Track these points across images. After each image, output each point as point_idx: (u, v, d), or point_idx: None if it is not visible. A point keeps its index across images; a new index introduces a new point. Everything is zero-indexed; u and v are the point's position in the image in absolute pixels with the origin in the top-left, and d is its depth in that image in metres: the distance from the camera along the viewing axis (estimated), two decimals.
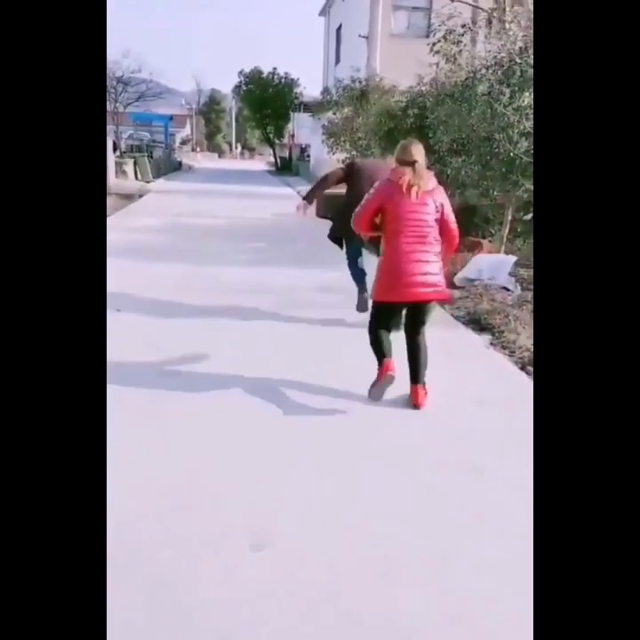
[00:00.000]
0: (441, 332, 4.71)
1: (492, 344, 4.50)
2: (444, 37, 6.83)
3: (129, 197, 15.50)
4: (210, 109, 60.69)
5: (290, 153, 32.59)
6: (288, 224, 11.29)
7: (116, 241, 8.26)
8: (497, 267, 6.06)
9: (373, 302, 3.43)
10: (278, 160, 32.31)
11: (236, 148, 60.97)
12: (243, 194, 17.87)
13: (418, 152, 3.24)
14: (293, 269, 6.74)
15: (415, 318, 3.35)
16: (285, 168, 30.54)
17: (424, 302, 3.25)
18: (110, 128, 25.29)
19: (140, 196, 15.98)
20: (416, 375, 3.32)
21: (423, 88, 8.00)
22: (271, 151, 35.70)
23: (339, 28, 24.15)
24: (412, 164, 3.20)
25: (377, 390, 3.28)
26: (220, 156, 55.96)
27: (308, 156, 30.00)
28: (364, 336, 3.44)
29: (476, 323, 4.89)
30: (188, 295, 5.52)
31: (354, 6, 21.20)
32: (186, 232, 9.48)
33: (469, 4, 7.81)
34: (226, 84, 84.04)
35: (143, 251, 7.62)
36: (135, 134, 28.17)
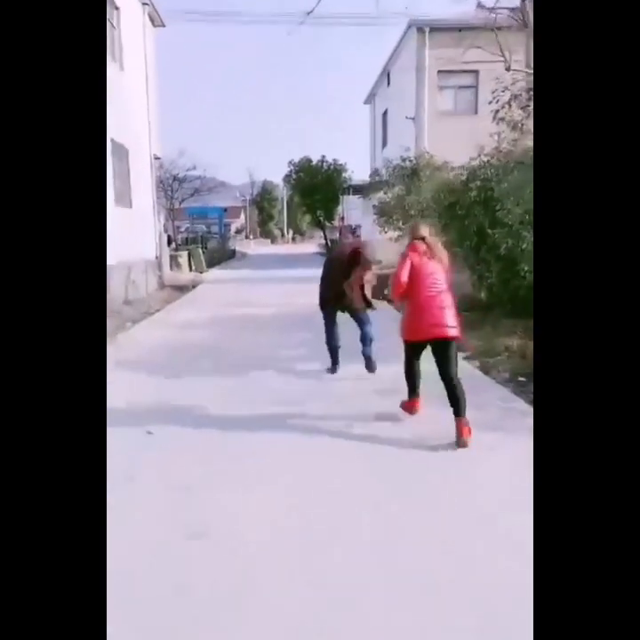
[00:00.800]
0: None
1: None
2: (508, 103, 6.22)
3: (182, 289, 15.43)
4: (262, 199, 63.23)
5: (340, 235, 32.83)
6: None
7: (160, 341, 7.76)
8: None
9: (404, 341, 4.22)
10: (329, 242, 32.49)
11: (288, 233, 62.74)
12: (293, 278, 17.55)
13: (425, 230, 4.26)
14: (347, 366, 5.88)
15: (442, 359, 3.95)
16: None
17: (444, 340, 3.93)
18: (167, 224, 26.20)
19: (193, 287, 15.90)
20: (458, 409, 3.87)
21: (484, 159, 7.39)
22: (322, 234, 36.14)
23: (384, 113, 24.65)
24: (423, 238, 4.16)
25: (412, 409, 4.33)
26: (272, 242, 57.54)
27: (359, 236, 30.03)
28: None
29: None
30: (232, 418, 4.77)
31: (399, 91, 21.59)
32: (233, 326, 8.91)
33: (527, 72, 7.29)
34: (277, 173, 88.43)
35: (187, 356, 7.01)
36: (191, 227, 29.13)
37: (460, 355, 6.26)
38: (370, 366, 5.50)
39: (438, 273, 4.06)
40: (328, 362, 5.82)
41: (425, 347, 4.11)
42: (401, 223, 14.24)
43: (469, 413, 3.93)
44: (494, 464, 3.49)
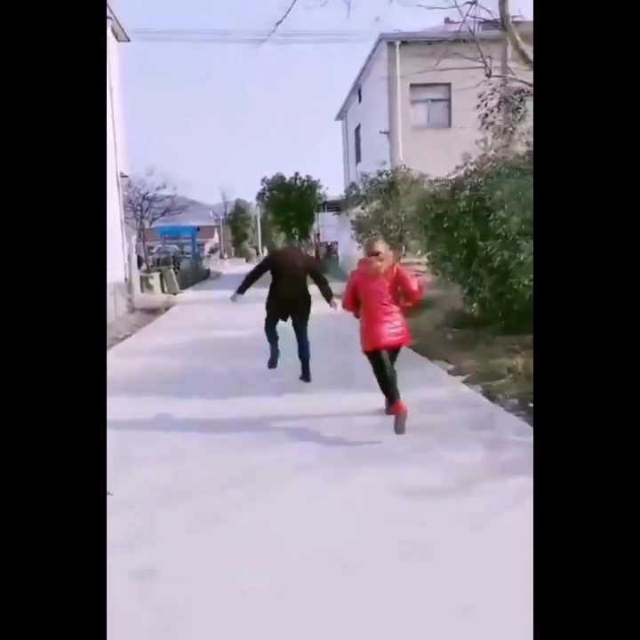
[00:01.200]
0: None
1: None
2: (497, 107, 5.82)
3: (154, 312, 14.75)
4: (235, 218, 62.68)
5: (316, 252, 32.38)
6: (319, 330, 9.96)
7: (133, 369, 7.09)
8: None
9: (365, 352, 4.51)
10: None
11: (262, 251, 62.22)
12: None
13: (380, 246, 4.53)
14: (332, 393, 5.33)
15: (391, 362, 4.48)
16: None
17: (393, 347, 4.47)
18: (138, 244, 25.46)
19: (166, 310, 15.23)
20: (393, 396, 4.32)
21: (471, 168, 6.99)
22: None
23: (357, 129, 24.45)
24: (377, 254, 4.41)
25: (400, 426, 4.08)
26: (247, 261, 56.85)
27: (335, 253, 29.61)
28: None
29: None
30: (216, 449, 4.15)
31: (371, 106, 21.39)
32: (209, 350, 8.28)
33: (509, 78, 6.96)
34: (249, 192, 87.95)
35: (162, 381, 6.40)
36: (163, 248, 28.34)
37: (459, 378, 5.83)
38: (307, 376, 5.92)
39: (384, 287, 4.42)
40: (320, 393, 5.32)
41: (385, 356, 4.43)
42: (379, 238, 13.86)
43: (485, 453, 3.41)
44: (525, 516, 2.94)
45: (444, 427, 3.75)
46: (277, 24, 10.94)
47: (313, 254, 32.76)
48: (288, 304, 6.06)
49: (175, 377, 6.62)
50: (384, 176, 14.24)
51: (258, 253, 62.00)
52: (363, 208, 14.28)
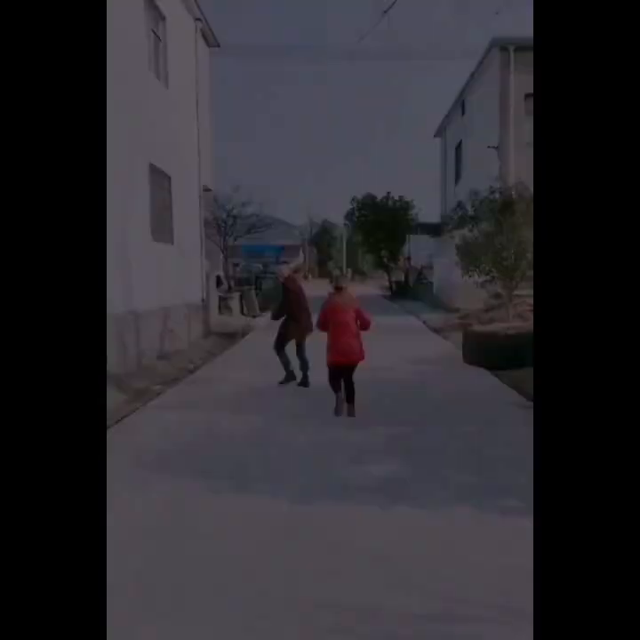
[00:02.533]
0: None
1: None
2: None
3: (231, 337, 13.56)
4: (321, 238, 62.07)
5: (406, 276, 30.39)
6: (431, 381, 7.96)
7: (187, 429, 5.46)
8: None
9: (328, 365, 6.04)
10: (393, 284, 30.08)
11: (347, 272, 61.06)
12: None
13: (344, 281, 6.42)
14: (481, 513, 3.49)
15: (348, 374, 6.00)
16: (402, 292, 28.15)
17: (351, 363, 5.98)
18: (226, 264, 24.73)
19: (243, 336, 13.97)
20: (350, 398, 5.96)
21: None
22: (383, 274, 33.86)
23: (458, 145, 22.52)
24: (341, 289, 6.14)
25: (338, 411, 5.98)
26: (331, 282, 55.79)
27: (425, 278, 27.54)
28: None
29: None
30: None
31: (477, 120, 19.46)
32: (284, 403, 6.68)
33: None
34: (336, 211, 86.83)
35: (220, 462, 4.86)
36: (245, 266, 27.56)
37: None
38: (306, 382, 7.39)
39: (349, 315, 5.91)
40: (430, 504, 3.52)
41: (340, 370, 5.96)
42: (491, 266, 11.82)
43: None
44: None
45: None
46: (384, 13, 9.40)
47: (402, 278, 30.82)
48: (306, 327, 7.44)
49: (232, 452, 5.04)
50: (497, 194, 12.23)
51: (343, 274, 60.80)
52: (470, 230, 12.30)
